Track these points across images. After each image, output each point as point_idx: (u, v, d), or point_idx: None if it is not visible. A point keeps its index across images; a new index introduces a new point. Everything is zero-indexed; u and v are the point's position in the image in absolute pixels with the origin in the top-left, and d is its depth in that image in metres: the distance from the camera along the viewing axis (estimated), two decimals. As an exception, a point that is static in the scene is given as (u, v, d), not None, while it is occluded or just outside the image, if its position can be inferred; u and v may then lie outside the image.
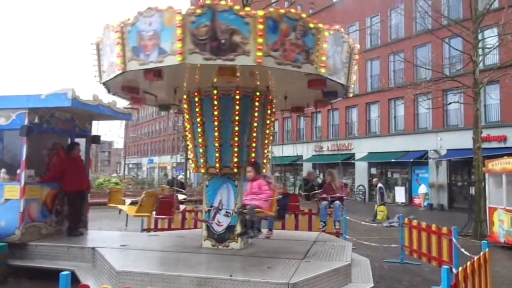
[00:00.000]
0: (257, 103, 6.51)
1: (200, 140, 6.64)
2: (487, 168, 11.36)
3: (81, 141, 8.20)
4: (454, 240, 6.59)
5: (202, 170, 6.75)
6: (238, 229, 6.24)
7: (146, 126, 67.42)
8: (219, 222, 6.42)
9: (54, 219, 7.37)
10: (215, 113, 6.40)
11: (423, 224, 7.74)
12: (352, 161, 28.30)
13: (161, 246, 6.56)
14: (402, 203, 24.95)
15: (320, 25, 5.27)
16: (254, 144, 6.57)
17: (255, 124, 6.54)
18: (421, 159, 23.71)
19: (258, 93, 6.48)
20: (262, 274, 4.81)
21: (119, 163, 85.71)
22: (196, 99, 6.57)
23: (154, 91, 6.73)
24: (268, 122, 6.90)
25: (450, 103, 17.73)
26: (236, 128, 6.39)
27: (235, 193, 6.45)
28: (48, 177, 7.25)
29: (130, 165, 69.68)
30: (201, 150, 6.67)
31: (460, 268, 3.95)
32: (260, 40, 4.84)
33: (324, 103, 7.32)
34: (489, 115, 21.39)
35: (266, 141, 6.95)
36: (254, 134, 6.56)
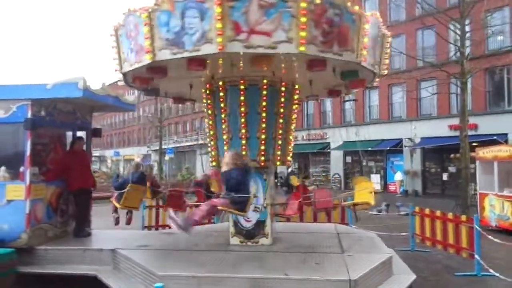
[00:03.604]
0: (295, 96, 6.37)
1: (243, 131, 6.23)
2: (478, 156, 11.75)
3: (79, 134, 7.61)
4: (477, 228, 6.71)
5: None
6: None
7: (109, 117, 64.92)
8: (248, 218, 6.14)
9: (59, 219, 6.79)
10: (264, 104, 6.11)
11: (438, 213, 7.85)
12: (328, 150, 28.65)
13: (184, 245, 6.18)
14: (378, 190, 25.58)
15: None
16: (291, 137, 6.45)
17: (293, 117, 6.47)
18: (396, 147, 24.36)
19: (297, 86, 6.31)
20: (316, 271, 4.63)
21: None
22: (242, 87, 6.10)
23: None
24: (293, 111, 6.68)
25: (436, 93, 18.23)
26: (281, 121, 6.23)
27: (264, 187, 6.19)
28: (52, 174, 6.65)
29: (93, 158, 67.08)
30: (243, 142, 6.27)
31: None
32: (219, 25, 4.45)
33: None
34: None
35: (291, 133, 6.72)
36: (292, 127, 6.46)
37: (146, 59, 4.94)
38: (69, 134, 7.62)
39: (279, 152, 6.67)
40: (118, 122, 62.99)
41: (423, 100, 23.61)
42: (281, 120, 6.69)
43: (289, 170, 22.18)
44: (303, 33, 4.55)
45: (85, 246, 6.16)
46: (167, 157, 39.04)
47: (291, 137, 6.78)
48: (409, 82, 21.68)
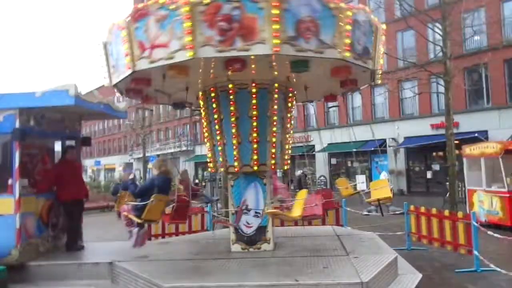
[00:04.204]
0: (276, 96, 6.18)
1: (218, 138, 6.21)
2: (465, 153, 11.95)
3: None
4: (475, 223, 6.76)
5: (221, 169, 6.32)
6: None
7: (88, 126, 63.62)
8: (248, 224, 6.04)
9: (51, 233, 6.52)
10: (232, 108, 5.98)
11: (434, 211, 7.90)
12: (313, 153, 28.75)
13: (185, 254, 6.02)
14: (363, 190, 25.75)
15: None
16: (274, 140, 6.24)
17: (275, 118, 6.21)
18: (380, 147, 24.63)
19: (276, 85, 6.15)
20: (325, 275, 4.54)
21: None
22: (212, 94, 6.12)
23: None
24: (289, 115, 6.60)
25: (420, 93, 18.52)
26: (255, 124, 6.02)
27: (264, 192, 6.09)
28: (44, 185, 6.38)
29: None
30: (219, 148, 6.23)
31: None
32: (125, 46, 4.96)
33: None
34: (442, 103, 22.64)
35: (288, 136, 6.63)
36: (274, 129, 6.22)
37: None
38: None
39: (286, 156, 6.63)
40: (98, 131, 61.79)
41: (405, 100, 24.01)
42: (288, 125, 6.62)
43: (300, 172, 22.47)
44: (188, 38, 4.50)
45: (80, 260, 5.93)
46: (150, 165, 38.52)
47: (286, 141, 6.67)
48: (390, 83, 22.00)
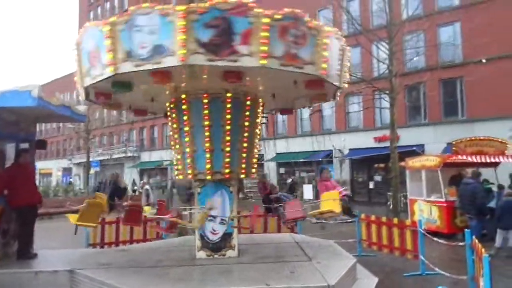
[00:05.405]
0: (247, 105, 6.35)
1: (187, 145, 6.25)
2: (407, 165, 12.84)
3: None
4: (421, 230, 7.34)
5: (190, 176, 6.35)
6: None
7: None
8: (214, 231, 6.11)
9: (1, 240, 6.14)
10: (204, 116, 6.07)
11: (383, 219, 8.45)
12: (262, 162, 29.15)
13: (148, 262, 5.95)
14: (310, 199, 26.59)
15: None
16: (244, 148, 6.40)
17: (245, 127, 6.37)
18: (327, 158, 25.62)
19: (247, 95, 6.33)
20: (294, 279, 4.75)
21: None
22: (183, 102, 6.17)
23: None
24: (257, 124, 6.78)
25: (367, 108, 19.55)
26: (227, 132, 6.16)
27: (231, 200, 6.20)
28: (-4, 190, 6.00)
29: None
30: (188, 156, 6.27)
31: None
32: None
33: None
34: (384, 118, 24.07)
35: (255, 144, 6.80)
36: (245, 138, 6.38)
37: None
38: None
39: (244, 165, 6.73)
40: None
41: (351, 113, 25.26)
42: (246, 134, 6.75)
43: (290, 180, 22.76)
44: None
45: (36, 269, 5.64)
46: (92, 171, 36.88)
47: (255, 150, 6.85)
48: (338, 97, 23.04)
